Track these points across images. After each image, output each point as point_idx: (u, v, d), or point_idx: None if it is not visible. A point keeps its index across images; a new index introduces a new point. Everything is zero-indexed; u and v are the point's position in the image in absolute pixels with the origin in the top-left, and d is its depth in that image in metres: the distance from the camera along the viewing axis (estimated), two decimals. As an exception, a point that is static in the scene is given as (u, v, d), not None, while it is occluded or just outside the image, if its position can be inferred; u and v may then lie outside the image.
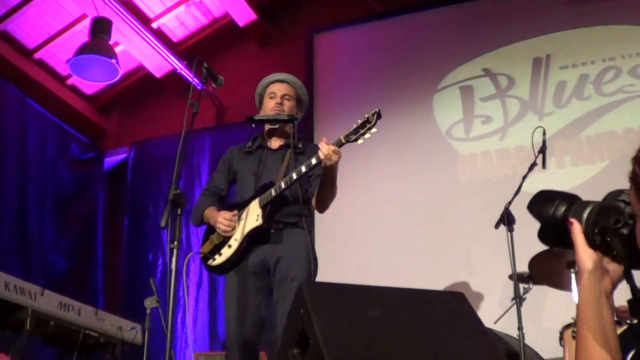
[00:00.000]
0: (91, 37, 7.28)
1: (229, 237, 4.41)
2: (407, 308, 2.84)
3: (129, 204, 8.70)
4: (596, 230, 1.73)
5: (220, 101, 8.57)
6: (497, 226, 4.97)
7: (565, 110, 6.79)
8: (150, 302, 3.94)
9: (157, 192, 8.34)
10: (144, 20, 8.14)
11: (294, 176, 4.23)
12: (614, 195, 1.71)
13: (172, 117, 8.45)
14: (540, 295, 5.41)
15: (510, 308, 5.04)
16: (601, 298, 1.73)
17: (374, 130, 4.08)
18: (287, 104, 4.70)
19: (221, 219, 4.39)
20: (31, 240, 7.62)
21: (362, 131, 4.08)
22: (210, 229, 4.57)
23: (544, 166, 5.16)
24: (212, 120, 8.48)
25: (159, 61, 8.43)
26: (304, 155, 4.50)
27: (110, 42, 7.48)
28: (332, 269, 6.98)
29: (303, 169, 4.21)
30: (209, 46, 8.56)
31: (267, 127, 4.74)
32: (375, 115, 4.06)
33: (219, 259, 4.40)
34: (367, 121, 4.08)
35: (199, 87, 4.39)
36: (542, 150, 5.18)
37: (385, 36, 7.88)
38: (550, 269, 4.84)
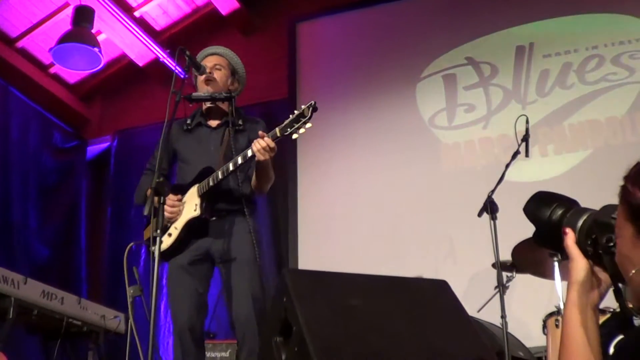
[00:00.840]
0: (74, 25, 7.22)
1: (171, 224, 4.34)
2: (389, 296, 2.84)
3: (112, 192, 8.66)
4: (589, 242, 1.74)
5: (204, 90, 8.56)
6: (480, 214, 4.96)
7: (549, 98, 6.79)
8: (133, 291, 3.92)
9: (140, 180, 8.31)
10: (127, 8, 8.09)
11: (231, 167, 4.14)
12: (609, 211, 1.71)
13: (155, 106, 8.40)
14: (523, 283, 5.42)
15: (493, 296, 5.03)
16: (587, 311, 1.75)
17: (308, 125, 3.89)
18: (218, 74, 4.59)
19: (150, 199, 4.13)
20: (14, 229, 7.58)
21: (296, 125, 3.91)
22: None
23: (527, 155, 5.15)
24: (194, 108, 8.43)
25: (141, 50, 8.39)
26: (244, 134, 4.42)
27: (93, 31, 7.43)
28: (315, 258, 7.01)
29: (239, 160, 4.11)
30: (191, 35, 8.51)
31: (204, 105, 4.63)
32: (311, 108, 3.89)
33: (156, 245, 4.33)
34: (302, 115, 3.91)
35: (182, 76, 4.36)
36: (525, 138, 5.17)
37: (368, 25, 7.86)
38: (533, 257, 4.84)
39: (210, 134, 4.54)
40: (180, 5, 8.54)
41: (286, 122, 3.95)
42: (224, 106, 4.58)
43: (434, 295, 2.95)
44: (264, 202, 7.42)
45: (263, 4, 8.61)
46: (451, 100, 7.14)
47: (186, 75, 4.34)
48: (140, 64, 8.66)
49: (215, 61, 4.64)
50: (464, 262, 6.37)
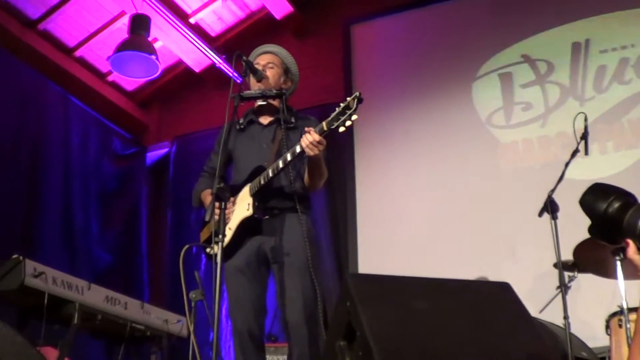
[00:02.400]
0: (130, 34, 7.32)
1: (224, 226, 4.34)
2: (452, 299, 2.83)
3: (171, 197, 8.72)
4: None
5: (260, 94, 8.59)
6: (540, 214, 4.90)
7: (607, 94, 6.69)
8: (195, 295, 3.95)
9: (200, 185, 8.36)
10: (182, 15, 8.16)
11: (280, 164, 4.13)
12: None
13: (212, 111, 8.48)
14: (585, 283, 5.35)
15: (555, 297, 4.98)
16: None
17: (354, 117, 3.83)
18: (270, 72, 4.57)
19: (212, 205, 4.18)
20: (76, 236, 7.68)
21: (342, 118, 3.84)
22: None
23: (586, 152, 5.08)
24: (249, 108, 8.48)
25: (197, 56, 8.45)
26: (296, 131, 4.38)
27: (149, 39, 7.51)
28: (374, 259, 7.01)
29: (289, 156, 4.10)
30: (246, 39, 8.55)
31: (256, 103, 4.63)
32: (356, 100, 3.82)
33: (215, 248, 4.33)
34: (348, 107, 3.84)
35: (239, 81, 4.38)
36: (584, 136, 5.10)
37: (422, 25, 7.82)
38: (595, 256, 4.78)
39: (262, 132, 4.53)
40: (235, 11, 8.60)
41: (332, 115, 3.91)
42: (276, 104, 4.57)
43: (497, 298, 2.93)
44: (322, 202, 7.44)
45: (316, 7, 8.63)
46: (508, 99, 7.08)
47: (243, 81, 4.36)
48: (197, 70, 8.73)
49: (268, 59, 4.63)
50: (525, 263, 6.31)
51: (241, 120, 4.62)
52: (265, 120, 4.58)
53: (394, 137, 7.38)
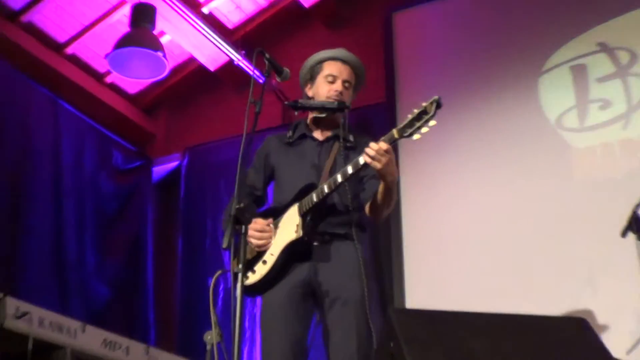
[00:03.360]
0: (132, 26, 7.37)
1: (264, 251, 4.35)
2: (517, 338, 2.81)
3: (183, 220, 8.71)
4: None
5: (287, 96, 8.54)
6: (624, 234, 4.86)
7: None
8: (210, 336, 3.95)
9: (217, 205, 8.34)
10: (193, 4, 8.18)
11: (339, 178, 4.16)
12: None
13: (231, 117, 8.50)
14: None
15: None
16: None
17: (432, 122, 3.94)
18: (346, 94, 4.61)
19: (252, 230, 4.30)
20: (69, 267, 7.67)
21: (418, 124, 3.96)
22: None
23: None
24: (277, 119, 8.48)
25: (212, 52, 8.47)
26: (356, 151, 4.39)
27: (155, 32, 7.57)
28: (422, 292, 6.97)
29: (349, 169, 4.13)
30: (269, 32, 8.60)
31: (311, 114, 4.66)
32: (434, 104, 3.94)
33: (252, 277, 4.31)
34: (424, 112, 3.96)
35: (261, 81, 4.39)
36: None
37: (477, 11, 7.74)
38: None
39: (317, 148, 4.58)
40: (256, -1, 8.65)
41: (406, 121, 4.01)
42: (335, 117, 4.60)
43: (572, 336, 2.91)
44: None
45: (352, -9, 8.66)
46: (582, 96, 7.00)
47: (266, 80, 4.37)
48: (212, 69, 8.76)
49: (347, 76, 4.66)
50: (605, 293, 6.22)
51: (290, 133, 4.67)
52: (320, 135, 4.63)
53: (445, 146, 7.30)
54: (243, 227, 3.73)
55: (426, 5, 8.08)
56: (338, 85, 4.58)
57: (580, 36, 7.14)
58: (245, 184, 4.69)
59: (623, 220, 4.88)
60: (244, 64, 8.29)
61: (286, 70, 4.44)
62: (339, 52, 4.77)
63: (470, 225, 7.05)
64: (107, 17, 8.15)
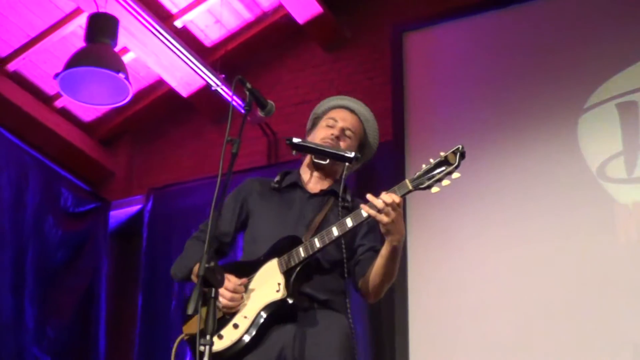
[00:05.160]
0: (88, 41, 7.29)
1: (233, 314, 4.24)
2: None
3: (144, 276, 8.71)
4: None
5: (274, 130, 8.57)
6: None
7: None
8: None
9: (185, 259, 8.33)
10: (164, 16, 8.19)
11: (335, 232, 4.07)
12: None
13: (206, 153, 8.50)
14: None
15: None
16: None
17: (455, 175, 3.92)
18: (346, 142, 4.54)
19: (223, 289, 4.17)
20: (3, 329, 7.63)
21: (438, 175, 3.93)
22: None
23: None
24: (262, 157, 8.49)
25: (185, 74, 8.46)
26: (350, 213, 4.24)
27: (117, 49, 7.51)
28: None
29: (349, 222, 4.05)
30: (256, 52, 8.61)
31: (308, 159, 4.62)
32: (458, 154, 3.91)
33: (218, 344, 4.14)
34: (446, 161, 3.92)
35: (242, 111, 4.35)
36: None
37: (504, 33, 7.81)
38: None
39: (308, 201, 4.51)
40: (240, 11, 8.63)
41: (421, 171, 3.96)
42: (334, 169, 4.58)
43: None
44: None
45: (354, 7, 8.64)
46: (631, 140, 6.99)
47: (246, 114, 4.32)
48: (184, 94, 8.76)
49: (350, 124, 4.62)
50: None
51: (277, 178, 4.62)
52: (314, 187, 4.57)
53: (462, 194, 7.29)
54: (213, 290, 3.70)
55: (445, 24, 8.10)
56: (336, 130, 4.54)
57: (631, 67, 7.14)
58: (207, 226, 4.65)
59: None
60: (223, 89, 8.24)
61: (271, 103, 4.37)
62: (347, 100, 4.75)
63: (491, 292, 7.03)
64: (59, 29, 8.15)
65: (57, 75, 7.32)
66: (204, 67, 8.21)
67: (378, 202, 3.92)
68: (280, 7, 8.46)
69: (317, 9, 8.28)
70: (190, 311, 3.63)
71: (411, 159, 7.55)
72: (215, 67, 8.38)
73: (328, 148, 4.45)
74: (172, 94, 8.82)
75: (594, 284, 6.74)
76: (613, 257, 6.77)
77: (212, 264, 3.71)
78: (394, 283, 6.99)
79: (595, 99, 7.18)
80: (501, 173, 7.29)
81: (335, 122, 4.56)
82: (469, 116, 7.56)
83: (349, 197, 4.42)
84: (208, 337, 3.61)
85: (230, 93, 8.17)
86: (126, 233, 9.08)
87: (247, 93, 4.24)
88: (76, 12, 7.95)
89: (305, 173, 4.62)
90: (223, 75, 8.16)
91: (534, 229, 7.03)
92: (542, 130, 7.24)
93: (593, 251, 6.83)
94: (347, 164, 4.43)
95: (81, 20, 7.75)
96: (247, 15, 8.69)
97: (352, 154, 4.41)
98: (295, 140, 4.40)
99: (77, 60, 7.19)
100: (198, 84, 8.61)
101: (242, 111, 4.29)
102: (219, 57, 8.69)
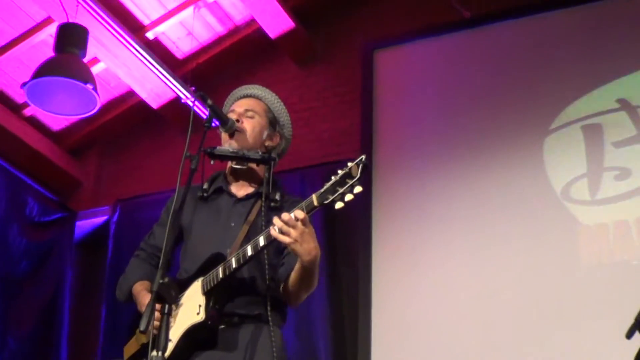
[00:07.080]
0: (57, 51, 7.27)
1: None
2: None
3: (109, 287, 8.60)
4: None
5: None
6: (629, 335, 4.84)
7: None
8: None
9: (151, 271, 8.32)
10: (135, 27, 8.19)
11: (249, 252, 4.02)
12: None
13: (175, 165, 8.44)
14: None
15: None
16: None
17: (358, 189, 3.73)
18: (249, 123, 4.50)
19: (149, 308, 3.92)
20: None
21: (341, 190, 3.74)
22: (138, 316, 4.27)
23: None
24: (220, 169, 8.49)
25: (156, 86, 8.49)
26: (281, 212, 4.11)
27: (86, 59, 7.50)
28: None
29: (261, 241, 3.99)
30: (227, 66, 8.62)
31: (230, 165, 4.54)
32: (360, 166, 3.73)
33: None
34: (349, 175, 3.74)
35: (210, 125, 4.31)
36: None
37: (473, 54, 7.86)
38: None
39: (234, 207, 4.47)
40: (212, 25, 8.64)
41: (327, 185, 3.81)
42: (259, 170, 4.50)
43: None
44: (322, 300, 7.39)
45: (327, 23, 8.67)
46: (595, 163, 7.03)
47: (206, 131, 4.29)
48: (155, 106, 8.78)
49: (247, 105, 4.57)
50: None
51: (205, 185, 4.55)
52: (240, 191, 4.52)
53: (428, 213, 7.34)
54: (167, 306, 3.70)
55: (415, 43, 8.15)
56: (235, 115, 4.50)
57: (596, 90, 7.21)
58: (149, 245, 4.66)
59: (631, 317, 4.88)
60: (193, 102, 8.23)
61: (232, 120, 4.39)
62: (238, 90, 4.72)
63: (454, 307, 7.08)
64: (30, 37, 8.14)
65: (24, 84, 7.29)
66: (175, 79, 8.23)
67: (277, 222, 3.86)
68: (253, 21, 8.49)
69: (290, 24, 8.33)
70: (142, 328, 3.60)
71: (378, 175, 7.58)
72: (186, 79, 8.41)
73: (243, 153, 4.39)
74: (142, 105, 8.82)
75: (557, 304, 6.78)
76: (576, 279, 6.81)
77: (166, 280, 3.70)
78: (358, 296, 7.09)
79: (561, 120, 7.24)
80: (467, 193, 7.34)
81: (233, 112, 4.52)
82: (436, 134, 7.61)
83: (278, 197, 4.39)
84: (159, 353, 3.62)
85: (201, 106, 8.16)
86: (92, 244, 9.05)
87: (209, 109, 4.24)
88: (47, 21, 7.94)
89: (229, 175, 4.57)
90: (194, 88, 8.13)
91: (498, 249, 7.08)
92: (508, 150, 7.30)
93: (556, 272, 6.88)
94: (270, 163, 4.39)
95: (52, 30, 7.73)
96: (219, 29, 8.71)
97: (266, 155, 4.41)
98: (210, 149, 4.30)
99: (45, 70, 7.16)
100: (168, 95, 8.62)
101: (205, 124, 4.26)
102: (190, 69, 8.71)
